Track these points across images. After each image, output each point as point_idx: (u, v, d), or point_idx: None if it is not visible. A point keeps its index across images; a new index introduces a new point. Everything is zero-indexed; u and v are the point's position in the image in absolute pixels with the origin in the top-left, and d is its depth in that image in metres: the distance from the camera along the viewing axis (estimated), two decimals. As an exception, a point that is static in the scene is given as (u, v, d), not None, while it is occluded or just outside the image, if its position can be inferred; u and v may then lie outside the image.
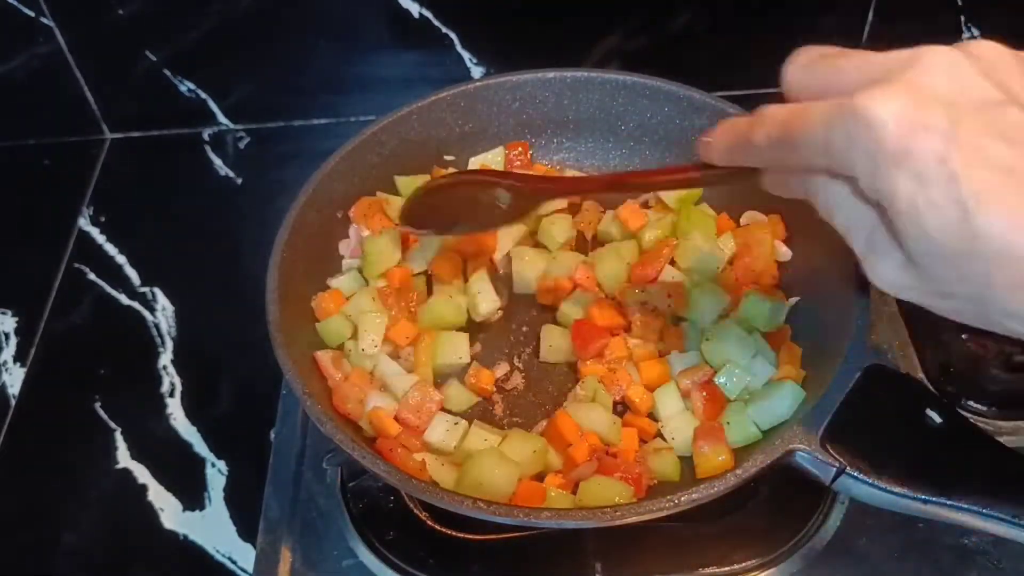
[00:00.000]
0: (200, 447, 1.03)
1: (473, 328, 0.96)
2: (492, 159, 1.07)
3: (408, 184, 1.03)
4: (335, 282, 0.96)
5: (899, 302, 1.02)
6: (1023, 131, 0.46)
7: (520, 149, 1.07)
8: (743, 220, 1.00)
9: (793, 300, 0.93)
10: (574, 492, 0.80)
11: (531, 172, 1.02)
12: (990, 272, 0.46)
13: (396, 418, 0.85)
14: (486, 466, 0.79)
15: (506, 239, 1.01)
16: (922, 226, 0.46)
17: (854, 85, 0.48)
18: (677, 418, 0.86)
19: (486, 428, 0.86)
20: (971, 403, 0.94)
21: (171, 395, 1.07)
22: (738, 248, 0.97)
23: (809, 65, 0.54)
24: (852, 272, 0.83)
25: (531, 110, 1.07)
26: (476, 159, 1.07)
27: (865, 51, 0.52)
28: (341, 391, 0.86)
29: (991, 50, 0.50)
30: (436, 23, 1.27)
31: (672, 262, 0.96)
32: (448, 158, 1.07)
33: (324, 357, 0.89)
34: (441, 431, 0.85)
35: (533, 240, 1.03)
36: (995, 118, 0.47)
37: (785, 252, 0.97)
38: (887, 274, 0.51)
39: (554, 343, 0.94)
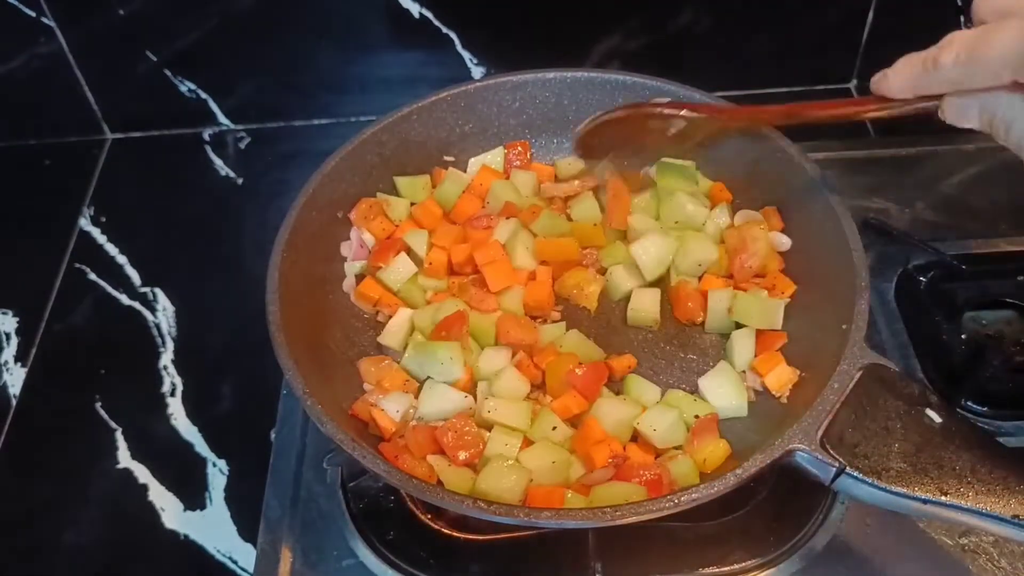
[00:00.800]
0: (201, 447, 1.03)
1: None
2: (492, 159, 1.07)
3: (408, 185, 1.03)
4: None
5: (899, 302, 1.03)
6: None
7: (520, 148, 1.07)
8: (736, 220, 1.00)
9: (785, 300, 0.93)
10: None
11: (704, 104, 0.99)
12: None
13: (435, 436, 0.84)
14: (495, 475, 0.79)
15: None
16: None
17: None
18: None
19: (507, 431, 0.84)
20: (971, 403, 0.94)
21: (172, 395, 1.07)
22: (733, 246, 0.97)
23: None
24: (850, 260, 0.84)
25: (531, 110, 1.07)
26: (476, 159, 1.07)
27: None
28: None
29: None
30: (436, 23, 1.27)
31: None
32: (448, 158, 1.07)
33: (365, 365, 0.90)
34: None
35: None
36: None
37: (785, 241, 0.97)
38: None
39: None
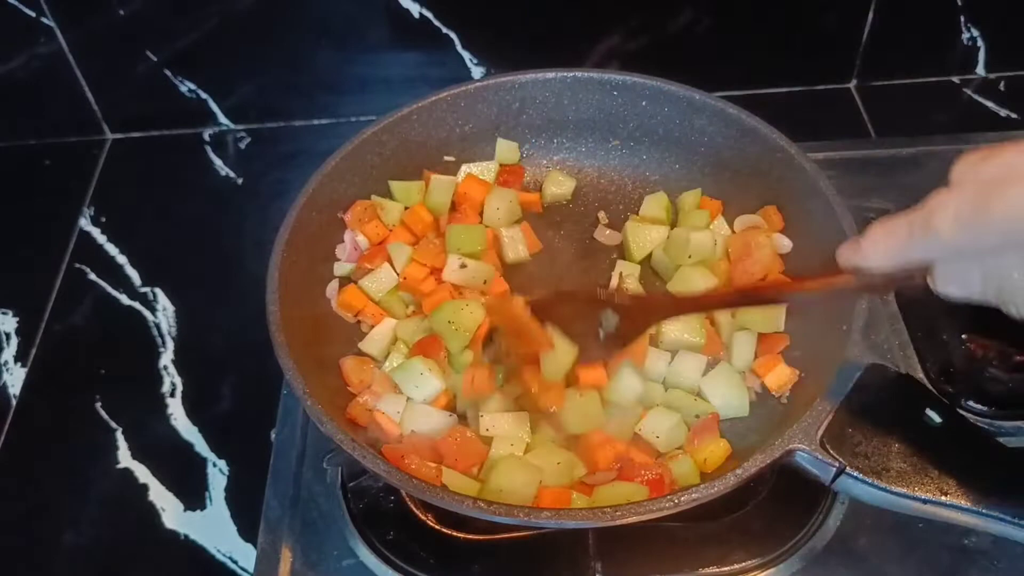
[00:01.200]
0: (201, 447, 1.03)
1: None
2: (482, 171, 1.06)
3: (402, 189, 1.02)
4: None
5: (899, 302, 1.03)
6: None
7: (515, 172, 1.07)
8: (736, 226, 1.00)
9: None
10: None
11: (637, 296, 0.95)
12: None
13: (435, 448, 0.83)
14: (507, 472, 0.79)
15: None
16: None
17: None
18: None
19: (513, 428, 0.85)
20: (971, 403, 0.94)
21: (172, 395, 1.07)
22: (735, 253, 0.96)
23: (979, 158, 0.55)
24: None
25: (531, 110, 1.07)
26: (467, 167, 1.06)
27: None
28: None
29: None
30: (436, 23, 1.27)
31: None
32: (448, 159, 1.07)
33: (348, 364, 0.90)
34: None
35: None
36: None
37: (786, 244, 0.97)
38: None
39: None
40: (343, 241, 1.00)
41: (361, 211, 0.99)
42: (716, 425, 0.85)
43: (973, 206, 0.53)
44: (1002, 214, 0.51)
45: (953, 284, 0.58)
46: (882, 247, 0.59)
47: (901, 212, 0.57)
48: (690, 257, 0.96)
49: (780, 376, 0.87)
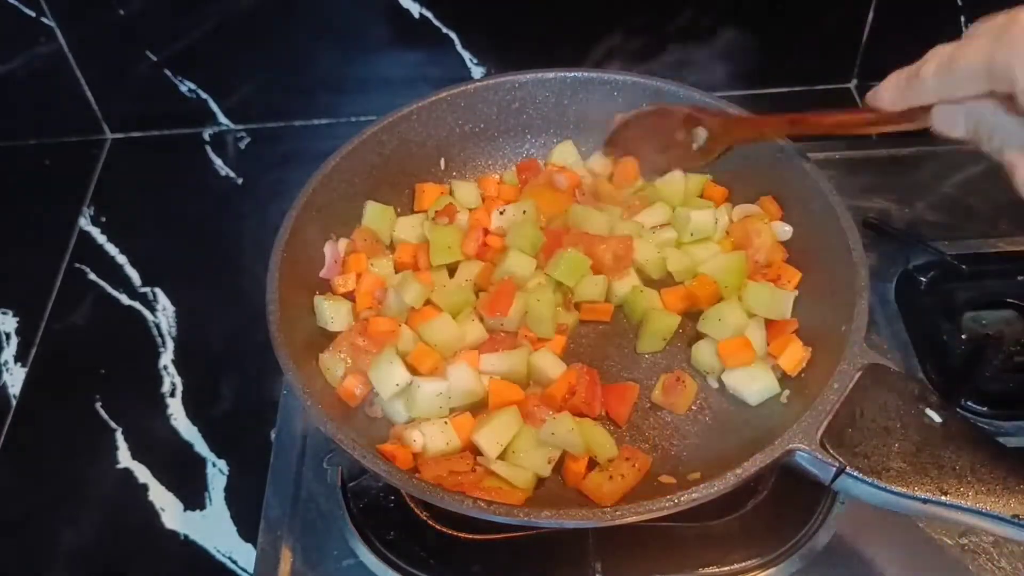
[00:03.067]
0: (201, 447, 1.03)
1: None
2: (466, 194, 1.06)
3: (377, 214, 1.00)
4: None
5: (899, 302, 1.03)
6: None
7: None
8: (735, 215, 1.01)
9: (794, 293, 0.93)
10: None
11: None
12: None
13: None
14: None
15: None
16: None
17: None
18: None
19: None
20: (971, 403, 0.94)
21: (172, 395, 1.07)
22: (737, 242, 0.97)
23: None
24: (850, 260, 0.84)
25: (531, 110, 1.07)
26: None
27: None
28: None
29: None
30: (436, 23, 1.27)
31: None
32: (445, 160, 1.07)
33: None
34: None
35: None
36: None
37: (786, 230, 0.98)
38: None
39: None
40: (346, 238, 1.00)
41: (361, 242, 0.99)
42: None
43: (946, 61, 0.66)
44: (962, 66, 0.64)
45: (942, 123, 0.70)
46: (890, 89, 0.73)
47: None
48: (692, 235, 0.98)
49: (794, 355, 0.87)
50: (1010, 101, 0.63)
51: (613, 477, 0.80)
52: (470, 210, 1.04)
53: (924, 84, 0.69)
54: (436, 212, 1.01)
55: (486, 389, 0.87)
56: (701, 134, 0.98)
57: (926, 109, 0.71)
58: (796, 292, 0.93)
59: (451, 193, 1.06)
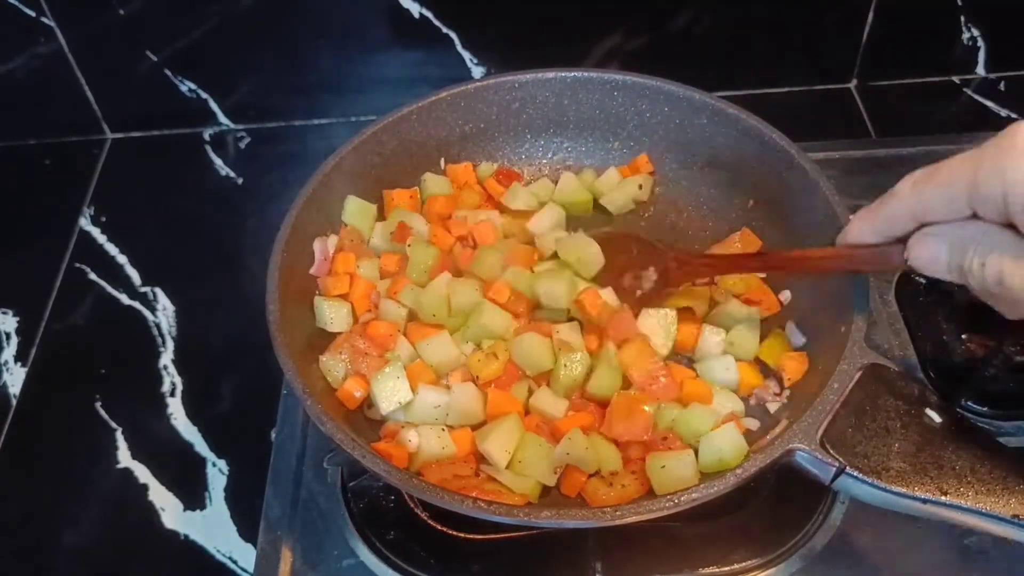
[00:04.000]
0: (201, 447, 1.03)
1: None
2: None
3: (357, 210, 0.99)
4: None
5: (899, 302, 1.03)
6: None
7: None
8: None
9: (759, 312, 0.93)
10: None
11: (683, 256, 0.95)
12: None
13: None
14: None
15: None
16: None
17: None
18: None
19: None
20: (971, 403, 0.94)
21: (172, 395, 1.08)
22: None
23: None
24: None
25: (531, 110, 1.07)
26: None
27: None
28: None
29: None
30: (436, 23, 1.27)
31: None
32: (445, 160, 1.07)
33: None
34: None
35: None
36: None
37: (796, 336, 0.93)
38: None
39: None
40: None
41: (347, 240, 0.97)
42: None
43: (926, 174, 0.63)
44: (945, 178, 0.60)
45: (922, 254, 0.65)
46: (858, 222, 0.71)
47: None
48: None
49: (793, 371, 0.87)
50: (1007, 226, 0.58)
51: (613, 485, 0.80)
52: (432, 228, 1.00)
53: (899, 202, 0.64)
54: (391, 233, 0.98)
55: (486, 413, 0.85)
56: (650, 276, 0.91)
57: (902, 241, 0.67)
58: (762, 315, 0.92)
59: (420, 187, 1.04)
